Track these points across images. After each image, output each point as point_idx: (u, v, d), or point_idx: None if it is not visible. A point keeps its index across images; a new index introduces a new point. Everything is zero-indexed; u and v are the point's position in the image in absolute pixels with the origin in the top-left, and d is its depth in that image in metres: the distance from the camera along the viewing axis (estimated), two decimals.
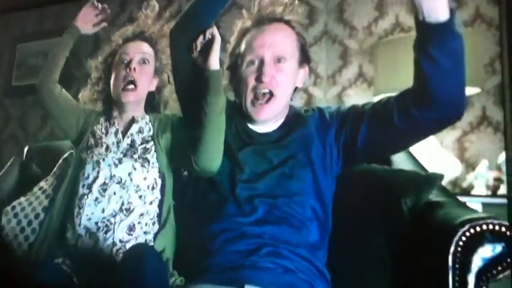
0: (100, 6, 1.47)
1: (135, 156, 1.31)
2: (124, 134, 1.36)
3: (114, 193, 1.26)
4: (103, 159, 1.30)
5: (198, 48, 1.21)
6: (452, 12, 0.95)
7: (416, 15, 0.97)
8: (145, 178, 1.29)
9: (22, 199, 1.50)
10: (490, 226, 1.04)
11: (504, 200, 1.68)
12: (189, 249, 1.21)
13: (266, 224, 1.11)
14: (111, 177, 1.28)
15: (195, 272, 1.14)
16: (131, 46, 1.39)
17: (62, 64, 1.44)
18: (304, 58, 1.25)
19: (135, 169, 1.29)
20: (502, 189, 1.74)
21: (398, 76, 1.82)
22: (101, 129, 1.38)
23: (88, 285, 1.17)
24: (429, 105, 1.04)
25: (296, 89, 1.27)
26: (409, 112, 1.08)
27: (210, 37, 1.20)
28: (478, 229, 1.04)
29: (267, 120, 1.21)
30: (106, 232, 1.23)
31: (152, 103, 1.42)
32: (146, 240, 1.26)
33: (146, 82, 1.37)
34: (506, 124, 1.79)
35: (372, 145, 1.16)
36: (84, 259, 1.22)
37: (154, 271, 1.01)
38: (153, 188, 1.30)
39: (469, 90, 1.82)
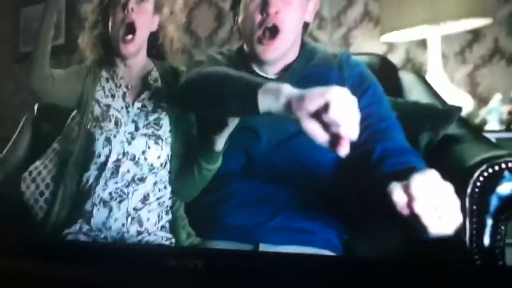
0: None
1: (148, 131, 1.21)
2: (134, 97, 1.26)
3: (128, 171, 1.19)
4: (114, 136, 1.22)
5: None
6: None
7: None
8: (159, 157, 1.21)
9: (38, 163, 1.45)
10: (509, 164, 0.95)
11: None
12: (202, 209, 1.17)
13: (282, 190, 1.05)
14: (124, 154, 1.21)
15: (210, 232, 1.11)
16: None
17: (49, 46, 1.25)
18: None
19: (149, 147, 1.21)
20: None
21: (404, 11, 1.72)
22: (106, 92, 1.28)
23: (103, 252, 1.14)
24: None
25: (307, 25, 1.14)
26: None
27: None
28: (496, 168, 0.96)
29: (275, 59, 1.09)
30: (120, 202, 1.19)
31: (155, 45, 1.31)
32: (159, 204, 1.22)
33: (146, 23, 1.25)
34: None
35: None
36: (99, 227, 1.19)
37: None
38: (166, 164, 1.24)
39: (480, 21, 1.70)
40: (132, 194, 1.19)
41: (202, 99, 1.04)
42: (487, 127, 1.65)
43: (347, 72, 1.09)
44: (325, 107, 0.76)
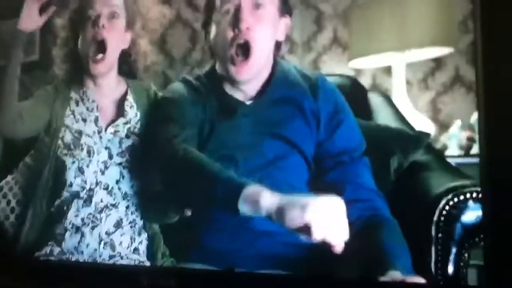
0: None
1: (122, 160, 1.16)
2: (106, 121, 1.20)
3: (101, 200, 1.13)
4: (87, 165, 1.15)
5: None
6: None
7: None
8: (132, 185, 1.16)
9: (9, 177, 1.39)
10: (474, 194, 0.95)
11: (476, 160, 1.60)
12: (179, 228, 1.14)
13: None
14: (97, 183, 1.14)
15: (186, 253, 1.08)
16: None
17: (17, 84, 1.18)
18: (284, 7, 1.09)
19: (123, 177, 1.16)
20: (475, 149, 1.64)
21: (372, 39, 1.73)
22: (76, 116, 1.21)
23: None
24: None
25: (279, 45, 1.11)
26: None
27: None
28: (461, 197, 0.96)
29: (249, 79, 1.06)
30: (92, 228, 1.13)
31: (127, 61, 1.25)
32: (131, 226, 1.16)
33: (117, 40, 1.20)
34: (478, 83, 1.68)
35: None
36: (71, 251, 1.14)
37: None
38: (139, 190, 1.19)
39: (442, 50, 1.72)
40: (105, 219, 1.13)
41: (174, 182, 1.00)
42: (447, 152, 1.66)
43: (322, 100, 1.07)
44: (307, 229, 0.75)
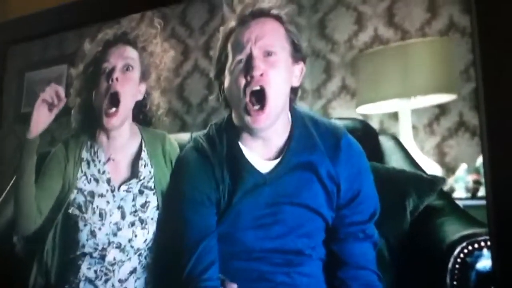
0: (52, 96, 1.18)
1: (135, 219, 1.11)
2: (119, 180, 1.17)
3: (114, 258, 1.10)
4: (99, 228, 1.11)
5: None
6: None
7: None
8: (145, 240, 1.12)
9: None
10: (488, 243, 0.91)
11: (483, 202, 1.57)
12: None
13: (277, 273, 0.97)
14: (109, 243, 1.11)
15: None
16: (113, 52, 1.15)
17: (33, 191, 1.13)
18: (297, 54, 1.07)
19: (135, 236, 1.12)
20: (481, 191, 1.60)
21: (378, 86, 1.74)
22: (88, 177, 1.17)
23: None
24: None
25: (295, 91, 1.09)
26: None
27: None
28: (476, 245, 0.92)
29: (265, 127, 1.01)
30: (105, 281, 1.09)
31: (142, 111, 1.22)
32: (144, 271, 1.12)
33: (131, 93, 1.16)
34: (482, 128, 1.65)
35: None
36: None
37: None
38: (151, 241, 1.15)
39: (446, 97, 1.72)
40: (118, 271, 1.09)
41: None
42: (454, 195, 1.61)
43: (343, 165, 1.03)
44: None
